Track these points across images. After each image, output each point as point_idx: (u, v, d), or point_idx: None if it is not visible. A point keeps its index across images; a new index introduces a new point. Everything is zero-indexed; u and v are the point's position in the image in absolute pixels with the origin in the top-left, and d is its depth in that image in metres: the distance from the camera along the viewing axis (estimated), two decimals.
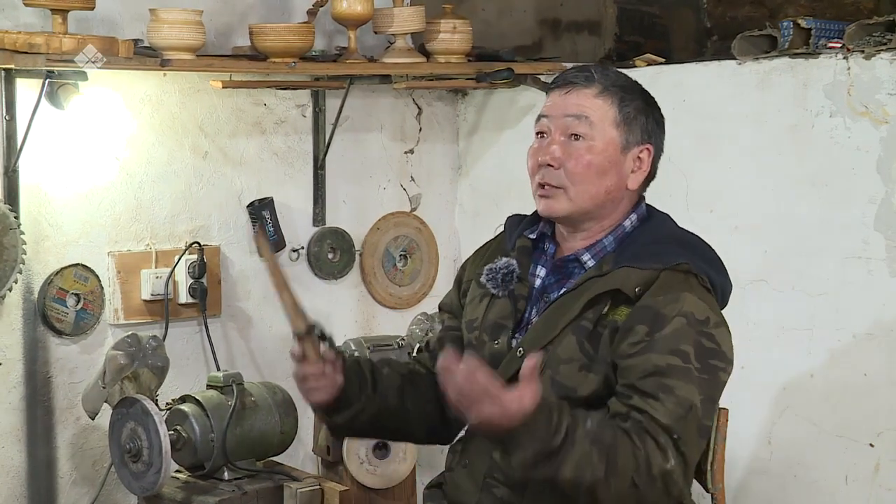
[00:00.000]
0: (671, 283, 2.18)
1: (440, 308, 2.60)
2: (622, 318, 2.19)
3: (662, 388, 2.11)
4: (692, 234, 2.35)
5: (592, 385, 2.20)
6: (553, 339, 2.24)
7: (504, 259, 2.38)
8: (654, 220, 2.35)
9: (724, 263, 2.34)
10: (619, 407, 2.14)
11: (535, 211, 2.39)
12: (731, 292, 2.34)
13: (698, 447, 2.17)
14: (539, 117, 2.34)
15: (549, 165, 2.28)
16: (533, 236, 2.39)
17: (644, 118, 2.31)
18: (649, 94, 2.36)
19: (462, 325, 2.46)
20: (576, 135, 2.27)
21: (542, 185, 2.30)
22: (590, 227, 2.32)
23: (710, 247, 2.33)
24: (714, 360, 2.16)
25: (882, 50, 3.08)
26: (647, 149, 2.32)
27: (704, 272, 2.24)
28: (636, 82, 2.35)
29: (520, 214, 2.48)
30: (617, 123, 2.28)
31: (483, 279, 2.38)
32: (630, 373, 2.14)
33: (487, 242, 2.54)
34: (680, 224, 2.38)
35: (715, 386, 2.18)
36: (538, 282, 2.36)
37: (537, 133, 2.34)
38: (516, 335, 2.32)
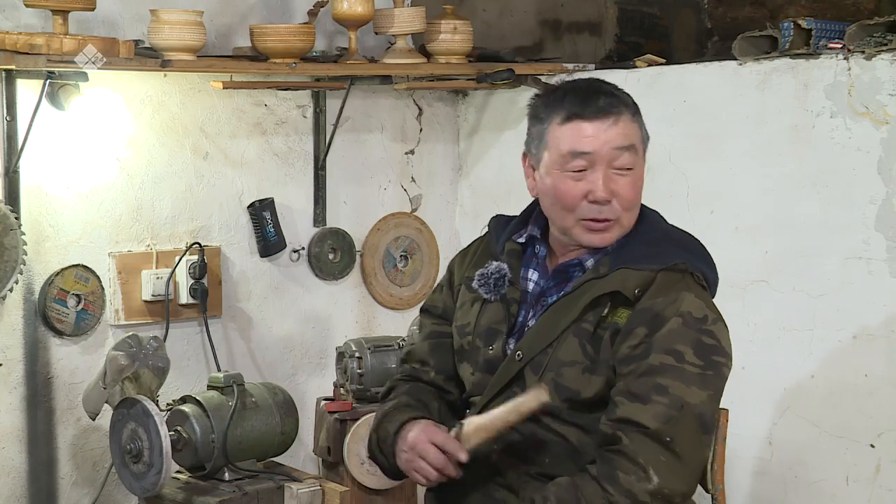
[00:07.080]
0: (669, 284, 2.20)
1: (426, 311, 2.56)
2: (622, 320, 2.20)
3: (656, 389, 2.12)
4: (683, 230, 2.36)
5: (596, 387, 2.20)
6: (553, 341, 2.23)
7: (495, 263, 2.37)
8: (647, 219, 2.35)
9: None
10: (605, 427, 2.15)
11: (522, 213, 2.40)
12: (717, 284, 2.34)
13: (699, 444, 2.16)
14: (577, 153, 2.23)
15: (606, 201, 2.24)
16: (522, 240, 2.38)
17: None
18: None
19: (452, 330, 2.45)
20: (627, 168, 2.24)
21: (596, 220, 2.26)
22: None
23: (699, 242, 2.35)
24: (716, 356, 2.17)
25: (883, 51, 3.08)
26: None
27: (700, 270, 2.26)
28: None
29: (504, 215, 2.47)
30: (644, 142, 2.30)
31: (475, 284, 2.38)
32: (626, 376, 2.15)
33: (471, 244, 2.52)
34: (680, 225, 2.39)
35: (719, 380, 2.19)
36: (531, 285, 2.36)
37: (578, 170, 2.23)
38: (510, 340, 2.32)
